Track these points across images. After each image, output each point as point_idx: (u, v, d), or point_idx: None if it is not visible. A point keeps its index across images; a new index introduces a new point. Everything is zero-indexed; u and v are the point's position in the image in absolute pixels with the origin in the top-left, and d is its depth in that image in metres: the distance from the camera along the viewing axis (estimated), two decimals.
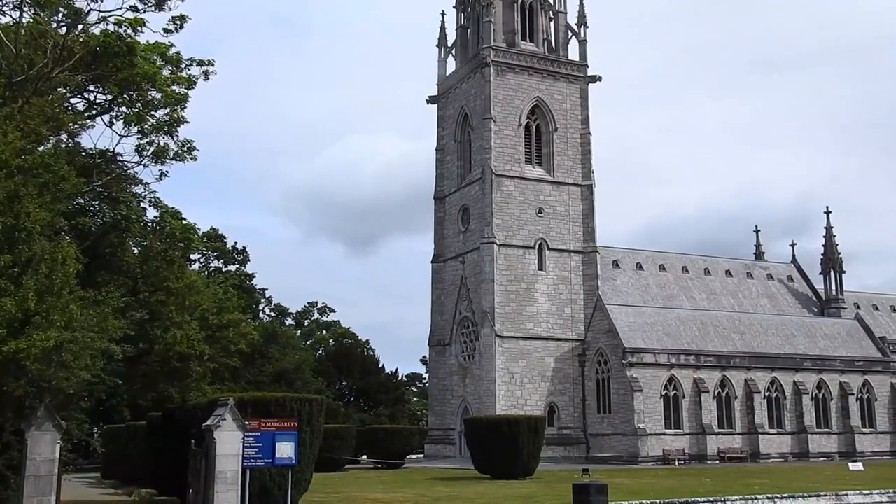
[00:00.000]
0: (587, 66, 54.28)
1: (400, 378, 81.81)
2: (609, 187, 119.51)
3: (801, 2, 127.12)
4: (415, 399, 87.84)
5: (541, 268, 50.83)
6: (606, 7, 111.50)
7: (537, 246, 50.86)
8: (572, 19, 55.09)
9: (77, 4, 22.85)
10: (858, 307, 60.74)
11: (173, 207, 30.25)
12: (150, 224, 29.07)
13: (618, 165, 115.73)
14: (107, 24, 23.25)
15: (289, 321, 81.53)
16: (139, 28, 23.12)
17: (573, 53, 54.72)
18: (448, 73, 56.69)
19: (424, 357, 68.18)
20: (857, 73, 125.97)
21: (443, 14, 57.47)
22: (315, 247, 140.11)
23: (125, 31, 22.92)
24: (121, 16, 22.76)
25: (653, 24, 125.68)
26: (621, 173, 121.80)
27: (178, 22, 23.40)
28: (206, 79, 25.43)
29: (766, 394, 50.86)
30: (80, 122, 24.48)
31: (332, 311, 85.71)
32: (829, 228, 60.93)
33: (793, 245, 64.16)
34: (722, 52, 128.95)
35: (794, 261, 63.43)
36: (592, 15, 54.82)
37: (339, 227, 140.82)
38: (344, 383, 75.07)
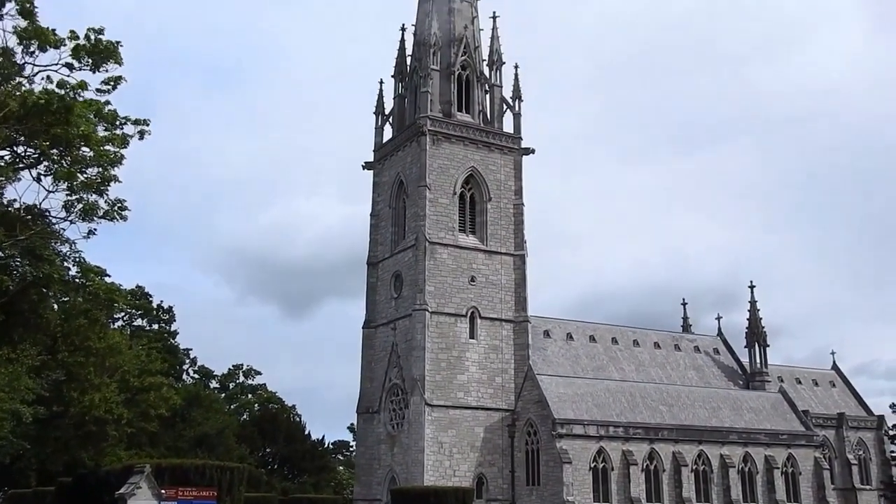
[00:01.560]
0: (521, 138, 55.30)
1: (326, 445, 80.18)
2: (541, 256, 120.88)
3: (718, 75, 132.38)
4: (341, 468, 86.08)
5: (472, 336, 50.77)
6: (538, 78, 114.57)
7: (469, 314, 50.87)
8: (507, 93, 56.26)
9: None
10: (782, 380, 62.05)
11: (97, 266, 29.52)
12: (73, 280, 28.28)
13: (550, 234, 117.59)
14: (49, 83, 23.01)
15: (213, 384, 79.62)
16: (79, 90, 22.93)
17: (508, 126, 55.75)
18: (385, 141, 57.12)
19: (352, 424, 67.03)
20: (771, 145, 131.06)
21: (381, 83, 58.20)
22: (248, 307, 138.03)
23: (66, 92, 22.69)
24: (65, 76, 22.56)
25: (582, 95, 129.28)
26: (553, 242, 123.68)
27: (113, 83, 23.24)
28: (141, 138, 25.18)
29: (694, 467, 51.19)
30: (4, 175, 23.86)
31: (259, 373, 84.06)
32: (753, 302, 62.47)
33: (718, 318, 65.67)
34: (645, 123, 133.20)
35: (720, 333, 64.74)
36: (526, 87, 55.97)
37: (273, 289, 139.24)
38: (268, 450, 73.26)
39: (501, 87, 56.35)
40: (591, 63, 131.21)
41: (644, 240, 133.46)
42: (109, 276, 30.49)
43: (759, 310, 62.05)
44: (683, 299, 66.27)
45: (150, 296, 64.05)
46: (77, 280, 27.89)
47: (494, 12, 57.00)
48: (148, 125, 25.70)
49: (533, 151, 55.19)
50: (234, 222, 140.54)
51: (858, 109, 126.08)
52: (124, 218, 26.27)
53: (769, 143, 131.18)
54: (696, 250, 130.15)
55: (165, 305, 65.56)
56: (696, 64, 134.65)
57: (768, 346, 61.54)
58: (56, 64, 24.03)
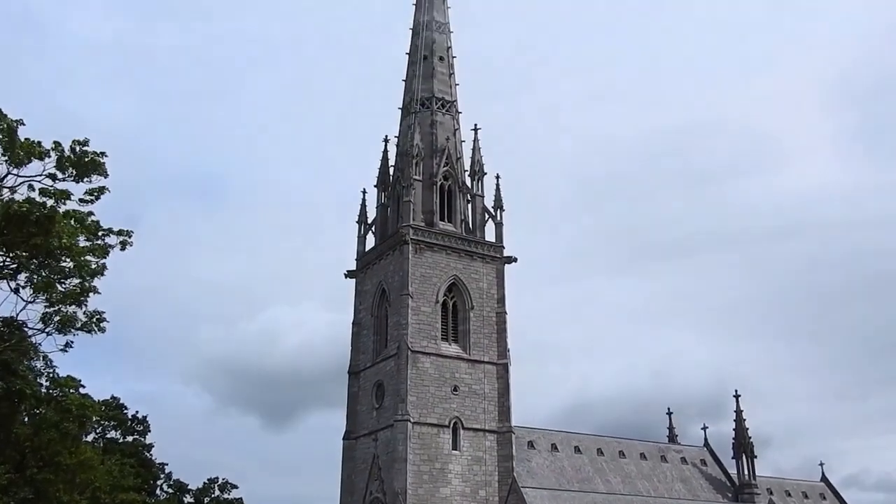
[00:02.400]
0: (503, 247, 55.59)
1: None
2: (525, 365, 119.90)
3: (698, 190, 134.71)
4: None
5: (455, 448, 49.69)
6: (521, 191, 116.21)
7: (452, 425, 49.93)
8: (489, 202, 56.84)
9: None
10: (771, 493, 60.81)
11: (71, 378, 28.77)
12: (46, 393, 27.54)
13: (534, 343, 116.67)
14: (31, 192, 22.94)
15: (188, 498, 76.98)
16: (62, 200, 22.88)
17: (490, 235, 56.12)
18: (367, 249, 57.24)
19: None
20: (753, 259, 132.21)
21: (364, 192, 58.76)
22: (227, 418, 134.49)
23: (48, 201, 22.63)
24: (48, 186, 22.52)
25: (565, 209, 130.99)
26: (537, 351, 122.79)
27: (96, 193, 23.21)
28: (123, 249, 24.99)
29: None
30: None
31: (235, 487, 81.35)
32: (738, 412, 61.78)
33: (704, 428, 64.68)
34: (628, 238, 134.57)
35: (707, 444, 63.70)
36: (509, 199, 56.70)
37: (254, 399, 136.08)
38: None
39: (483, 196, 56.97)
40: (572, 178, 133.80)
41: (629, 350, 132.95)
42: (84, 386, 29.73)
43: (745, 420, 61.31)
44: (669, 409, 65.48)
45: (125, 407, 62.51)
46: (50, 392, 27.17)
47: (476, 125, 58.24)
48: (130, 236, 25.58)
49: (515, 260, 55.45)
50: (215, 331, 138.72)
51: (838, 222, 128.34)
52: (102, 330, 25.86)
53: (751, 256, 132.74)
54: (681, 360, 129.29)
55: (140, 416, 64.02)
56: (676, 179, 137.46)
57: (756, 457, 60.58)
58: (40, 175, 24.01)
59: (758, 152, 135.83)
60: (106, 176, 23.36)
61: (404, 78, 59.81)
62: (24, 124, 23.17)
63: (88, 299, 25.05)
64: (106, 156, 23.55)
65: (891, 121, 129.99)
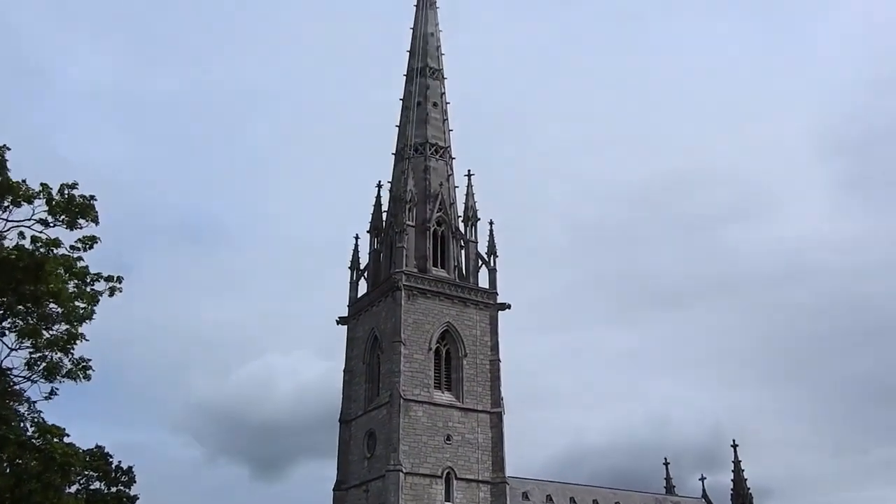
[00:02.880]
0: (496, 293, 55.09)
1: None
2: (519, 414, 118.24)
3: (692, 237, 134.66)
4: None
5: (448, 499, 48.61)
6: (515, 238, 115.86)
7: (445, 475, 48.92)
8: (482, 248, 56.44)
9: None
10: None
11: (56, 426, 27.92)
12: (30, 440, 26.68)
13: (528, 392, 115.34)
14: (21, 238, 22.48)
15: None
16: (52, 248, 22.41)
17: (483, 281, 55.64)
18: (359, 296, 56.65)
19: None
20: (749, 306, 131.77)
21: (356, 238, 58.39)
22: (218, 468, 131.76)
23: (38, 247, 22.15)
24: (38, 231, 22.07)
25: (559, 256, 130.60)
26: (532, 400, 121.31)
27: (87, 242, 22.76)
28: (112, 295, 24.43)
29: None
30: None
31: None
32: (737, 462, 60.90)
33: (703, 479, 63.59)
34: (623, 286, 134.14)
35: (704, 496, 62.61)
36: (502, 246, 56.39)
37: (245, 448, 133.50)
38: None
39: (477, 242, 56.62)
40: (566, 225, 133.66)
41: (624, 398, 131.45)
42: (69, 435, 28.88)
43: (743, 470, 60.47)
44: (665, 459, 64.46)
45: (110, 456, 61.07)
46: (33, 440, 26.38)
47: (469, 170, 58.20)
48: (120, 283, 25.05)
49: (509, 307, 54.90)
50: (206, 379, 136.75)
51: (833, 269, 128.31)
52: (88, 378, 25.22)
53: (747, 303, 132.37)
54: (677, 409, 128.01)
55: (124, 466, 62.53)
56: (671, 226, 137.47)
57: None
58: (30, 220, 23.59)
59: (751, 200, 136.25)
60: (97, 223, 22.95)
61: (398, 123, 59.87)
62: (9, 149, 22.83)
63: (75, 346, 24.44)
64: (95, 199, 23.19)
65: (883, 169, 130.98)
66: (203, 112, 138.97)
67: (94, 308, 24.16)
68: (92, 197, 23.21)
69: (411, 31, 61.93)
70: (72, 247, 23.94)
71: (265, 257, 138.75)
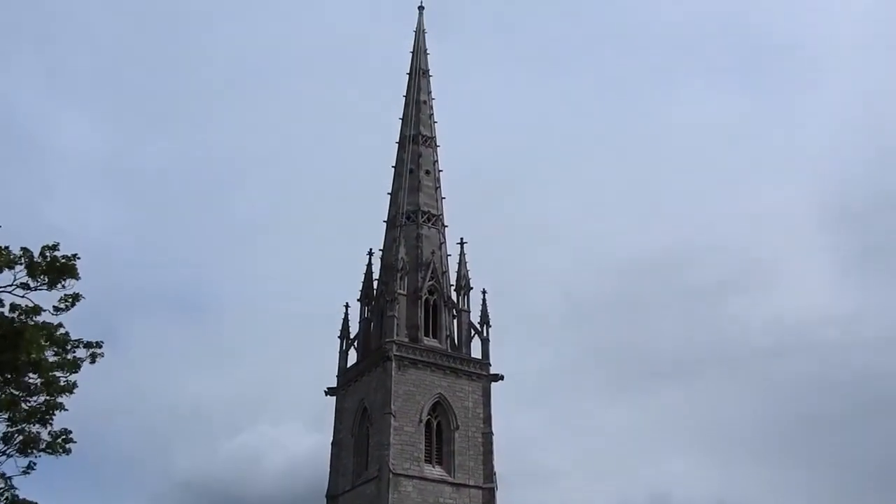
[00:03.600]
0: (489, 364, 53.98)
1: None
2: (514, 490, 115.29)
3: (693, 308, 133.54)
4: None
5: None
6: (509, 307, 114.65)
7: None
8: (475, 317, 55.55)
9: None
10: None
11: (33, 502, 26.53)
12: None
13: (524, 467, 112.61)
14: (0, 307, 21.59)
15: None
16: (32, 315, 21.51)
17: (476, 351, 54.61)
18: (349, 365, 55.43)
19: None
20: (750, 379, 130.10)
21: (347, 306, 57.31)
22: None
23: (18, 315, 21.25)
24: (20, 296, 21.20)
25: (557, 329, 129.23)
26: (527, 476, 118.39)
27: (69, 300, 21.82)
28: (93, 362, 23.40)
29: None
30: None
31: None
32: None
33: None
34: (622, 359, 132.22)
35: None
36: (499, 317, 55.53)
37: None
38: None
39: (469, 312, 55.70)
40: (562, 295, 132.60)
41: (624, 475, 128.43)
42: None
43: None
44: None
45: None
46: None
47: (462, 238, 57.60)
48: (101, 347, 24.12)
49: (502, 378, 53.73)
50: (192, 453, 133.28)
51: (837, 344, 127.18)
52: (68, 451, 24.08)
53: (748, 377, 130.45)
54: (678, 486, 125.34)
55: None
56: (671, 298, 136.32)
57: None
58: (11, 285, 22.75)
59: (752, 272, 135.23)
60: (78, 278, 22.18)
61: (390, 191, 59.48)
62: None
63: (54, 417, 23.34)
64: (78, 258, 22.49)
65: (884, 241, 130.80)
66: (194, 180, 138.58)
67: (75, 380, 23.15)
68: (75, 256, 22.53)
69: (404, 98, 62.08)
70: (54, 307, 23.14)
71: (255, 327, 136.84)
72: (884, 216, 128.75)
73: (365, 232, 65.40)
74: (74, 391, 23.19)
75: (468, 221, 63.70)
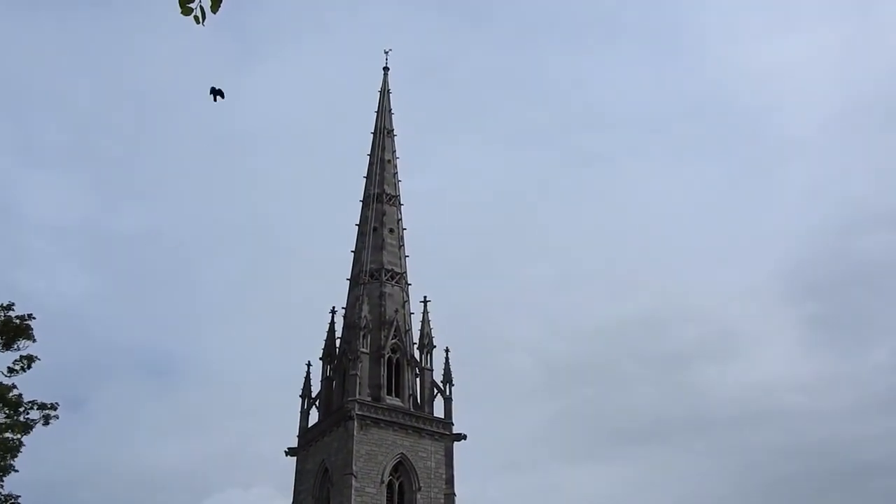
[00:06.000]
0: (452, 423, 53.58)
1: None
2: None
3: (662, 375, 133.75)
4: None
5: None
6: (477, 371, 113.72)
7: None
8: (438, 376, 55.25)
9: None
10: None
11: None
12: None
13: None
14: None
15: None
16: None
17: (439, 410, 54.21)
18: (310, 425, 54.69)
19: None
20: (721, 446, 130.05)
21: (308, 365, 56.82)
22: None
23: None
24: None
25: (526, 393, 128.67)
26: None
27: (25, 362, 21.46)
28: (46, 423, 22.89)
29: None
30: None
31: None
32: None
33: None
34: (592, 425, 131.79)
35: None
36: (463, 377, 55.30)
37: None
38: None
39: (432, 371, 55.45)
40: (532, 360, 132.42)
41: None
42: None
43: None
44: None
45: None
46: None
47: (426, 297, 57.60)
48: (55, 409, 23.62)
49: (465, 437, 53.26)
50: None
51: (804, 411, 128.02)
52: None
53: (718, 444, 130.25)
54: None
55: None
56: (640, 367, 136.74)
57: None
58: None
59: (723, 340, 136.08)
60: (33, 340, 21.81)
61: (353, 249, 59.45)
62: None
63: (3, 481, 22.73)
64: (33, 318, 22.17)
65: (851, 311, 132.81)
66: (165, 247, 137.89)
67: (23, 440, 22.62)
68: (30, 316, 22.20)
69: (368, 157, 62.50)
70: (9, 368, 22.72)
71: (221, 389, 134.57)
72: (848, 289, 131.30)
73: (328, 290, 65.26)
74: (21, 451, 22.63)
75: (435, 282, 64.00)
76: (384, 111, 64.05)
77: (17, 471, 23.54)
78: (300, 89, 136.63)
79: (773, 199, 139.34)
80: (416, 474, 50.88)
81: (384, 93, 64.80)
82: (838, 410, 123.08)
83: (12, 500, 22.41)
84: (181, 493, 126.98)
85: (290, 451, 54.40)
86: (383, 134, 63.14)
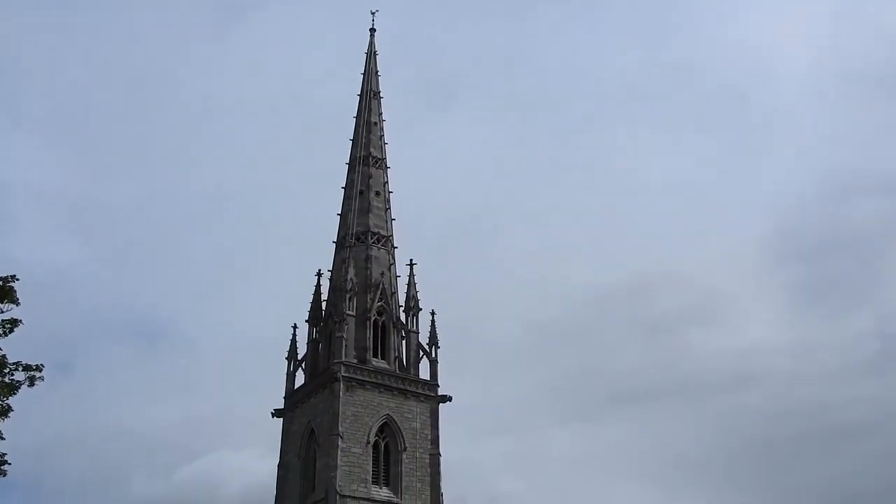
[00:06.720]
0: (437, 385, 54.01)
1: None
2: None
3: (651, 339, 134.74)
4: None
5: None
6: (464, 334, 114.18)
7: None
8: (424, 339, 55.58)
9: None
10: None
11: None
12: None
13: (475, 493, 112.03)
14: None
15: None
16: None
17: (424, 373, 54.64)
18: (296, 387, 55.10)
19: None
20: (706, 409, 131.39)
21: (294, 327, 57.10)
22: None
23: None
24: None
25: (513, 354, 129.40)
26: (479, 499, 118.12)
27: (9, 325, 21.55)
28: (31, 384, 23.02)
29: None
30: None
31: None
32: None
33: None
34: (579, 387, 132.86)
35: None
36: (450, 340, 55.67)
37: None
38: None
39: (418, 333, 55.76)
40: (519, 323, 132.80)
41: (577, 500, 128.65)
42: None
43: None
44: None
45: None
46: None
47: (412, 260, 57.65)
48: (41, 371, 23.73)
49: (450, 399, 53.76)
50: (148, 481, 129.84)
51: (787, 375, 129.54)
52: (3, 473, 23.73)
53: (702, 407, 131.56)
54: None
55: None
56: (627, 330, 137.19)
57: None
58: None
59: (709, 305, 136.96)
60: (17, 303, 21.84)
61: (339, 212, 59.45)
62: None
63: None
64: (16, 279, 22.18)
65: (837, 276, 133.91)
66: (152, 214, 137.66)
67: (11, 404, 22.76)
68: (13, 277, 22.22)
69: (354, 119, 62.24)
70: None
71: (211, 354, 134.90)
72: (834, 255, 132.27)
73: (314, 253, 65.12)
74: (9, 415, 22.79)
75: (420, 245, 63.96)
76: (371, 73, 63.66)
77: (3, 438, 23.84)
78: (286, 51, 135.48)
79: (760, 165, 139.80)
80: (402, 435, 51.44)
81: (371, 54, 64.38)
82: (822, 374, 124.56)
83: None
84: (171, 455, 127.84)
85: (277, 413, 54.86)
86: (370, 96, 62.82)
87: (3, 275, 22.75)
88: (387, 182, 60.52)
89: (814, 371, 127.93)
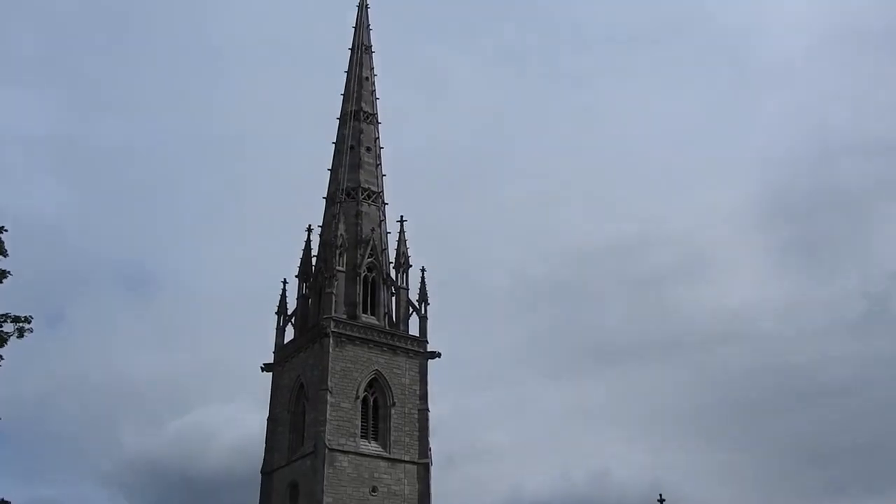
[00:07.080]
0: (427, 341, 54.24)
1: None
2: (453, 469, 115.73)
3: (637, 295, 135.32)
4: None
5: None
6: (453, 290, 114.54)
7: None
8: (414, 295, 55.68)
9: None
10: None
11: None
12: None
13: (465, 446, 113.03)
14: None
15: None
16: None
17: (414, 329, 54.81)
18: (286, 342, 55.25)
19: None
20: (691, 365, 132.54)
21: (284, 282, 57.11)
22: None
23: None
24: None
25: (501, 310, 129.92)
26: (468, 455, 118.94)
27: None
28: (21, 336, 22.98)
29: None
30: None
31: None
32: None
33: None
34: (567, 342, 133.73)
35: None
36: (440, 296, 55.78)
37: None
38: None
39: (408, 289, 55.85)
40: (512, 282, 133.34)
41: (564, 455, 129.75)
42: None
43: None
44: None
45: None
46: None
47: (402, 216, 57.59)
48: (30, 322, 23.68)
49: (439, 355, 54.03)
50: (140, 432, 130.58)
51: (773, 334, 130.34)
52: None
53: (689, 364, 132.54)
54: (617, 466, 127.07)
55: None
56: (615, 286, 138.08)
57: None
58: None
59: (696, 263, 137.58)
60: (5, 255, 21.70)
61: (330, 167, 59.15)
62: None
63: None
64: (5, 230, 22.03)
65: (824, 236, 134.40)
66: (141, 162, 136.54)
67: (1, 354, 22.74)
68: (1, 229, 22.03)
69: (345, 74, 61.64)
70: None
71: (201, 306, 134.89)
72: (822, 215, 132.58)
73: (304, 208, 64.86)
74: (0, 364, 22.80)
75: (410, 201, 63.82)
76: (362, 27, 62.99)
77: None
78: (277, 3, 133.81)
79: (751, 123, 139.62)
80: (391, 390, 51.75)
81: (362, 8, 63.69)
82: (808, 333, 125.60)
83: None
84: (161, 406, 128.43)
85: (266, 367, 55.08)
86: (361, 51, 62.20)
87: None
88: (378, 138, 60.15)
89: (799, 330, 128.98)
